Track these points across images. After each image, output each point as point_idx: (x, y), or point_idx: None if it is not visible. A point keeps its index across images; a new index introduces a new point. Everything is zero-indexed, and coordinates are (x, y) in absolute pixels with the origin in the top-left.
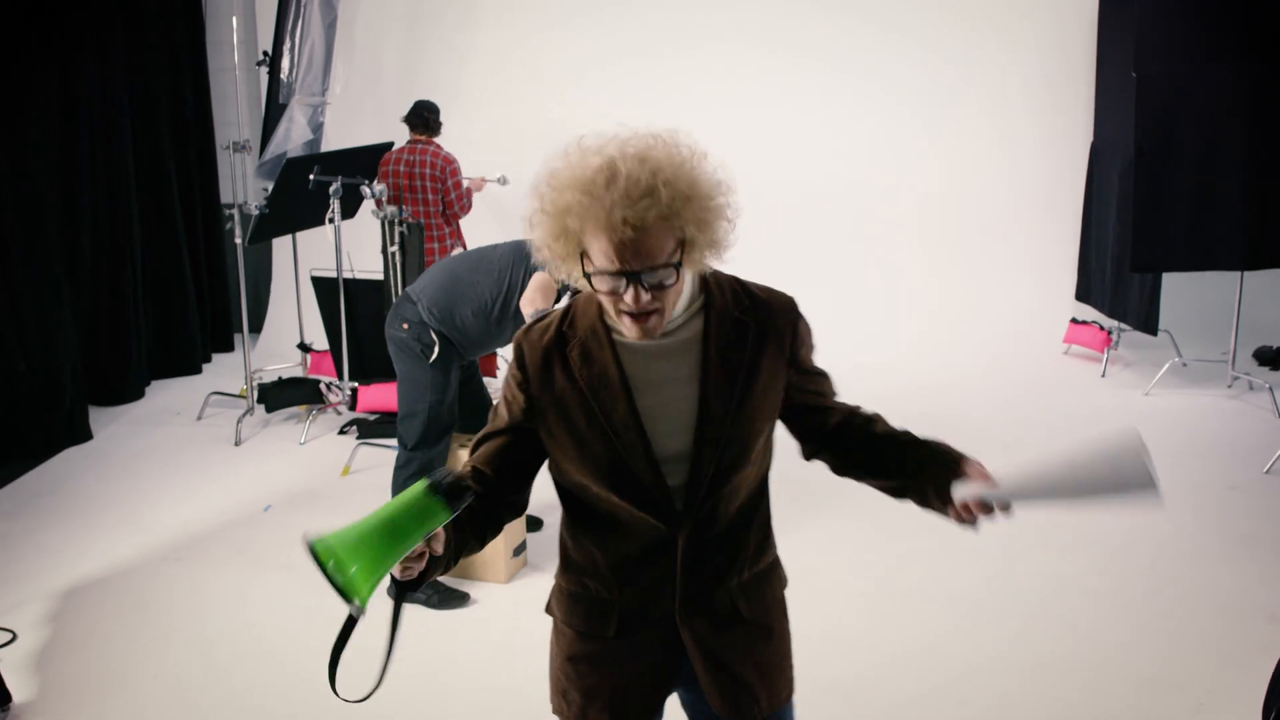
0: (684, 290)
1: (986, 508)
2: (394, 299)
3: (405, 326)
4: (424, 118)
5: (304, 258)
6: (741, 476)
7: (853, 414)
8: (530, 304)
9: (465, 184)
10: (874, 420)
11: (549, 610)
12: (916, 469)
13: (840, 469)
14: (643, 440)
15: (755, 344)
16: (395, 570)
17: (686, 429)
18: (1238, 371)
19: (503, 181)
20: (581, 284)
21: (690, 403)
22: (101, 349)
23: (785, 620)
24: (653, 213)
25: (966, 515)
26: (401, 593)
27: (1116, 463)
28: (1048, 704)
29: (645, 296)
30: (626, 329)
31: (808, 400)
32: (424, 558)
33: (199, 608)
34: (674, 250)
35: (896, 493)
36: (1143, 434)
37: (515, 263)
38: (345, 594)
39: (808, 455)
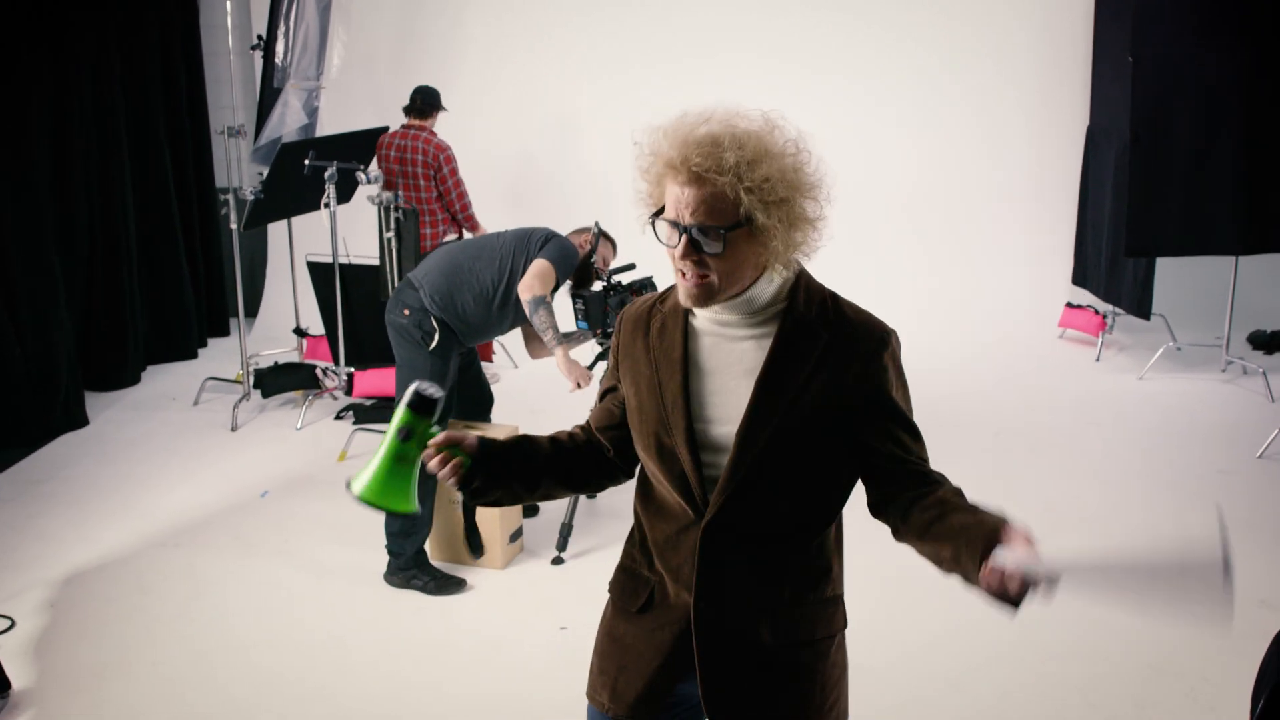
0: (769, 284)
1: (1022, 581)
2: (390, 285)
3: (406, 313)
4: (414, 102)
5: (299, 243)
6: (785, 488)
7: (932, 487)
8: (529, 290)
9: (470, 205)
10: (942, 485)
11: (610, 587)
12: (956, 533)
13: (896, 534)
14: (686, 418)
15: (823, 355)
16: (446, 482)
17: (733, 420)
18: (1231, 356)
19: None
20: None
21: (743, 396)
22: (97, 334)
23: (828, 664)
24: (711, 163)
25: (993, 583)
26: (471, 499)
27: (1187, 551)
28: (1045, 692)
29: (694, 255)
30: (679, 288)
31: (882, 446)
32: (459, 466)
33: (197, 593)
34: (730, 219)
35: (940, 562)
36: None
37: (517, 251)
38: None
39: (873, 508)
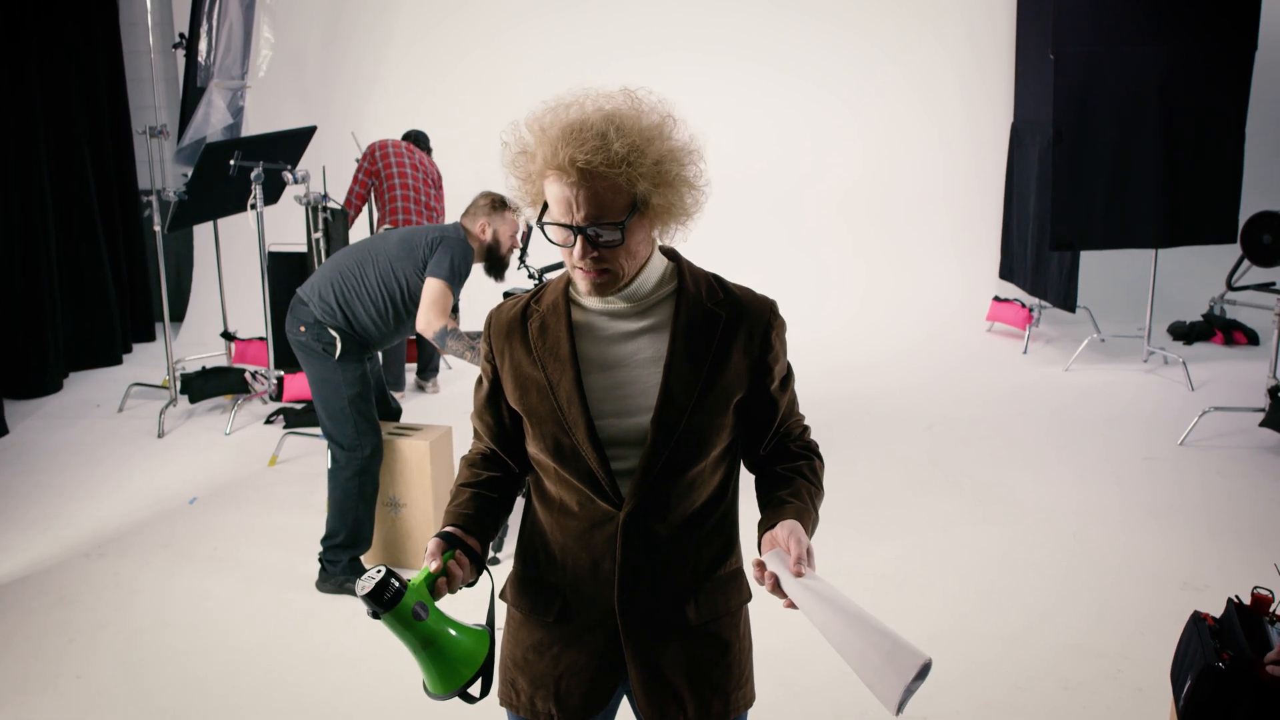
0: (654, 269)
1: (777, 587)
2: None
3: (303, 329)
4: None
5: (225, 245)
6: (697, 472)
7: (785, 450)
8: (429, 327)
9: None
10: (785, 457)
11: (503, 596)
12: (763, 507)
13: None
14: (585, 417)
15: (724, 336)
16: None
17: (643, 411)
18: (1153, 346)
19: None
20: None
21: (650, 386)
22: (16, 340)
23: (740, 635)
24: (599, 158)
25: (759, 575)
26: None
27: (889, 658)
28: (971, 671)
29: (593, 253)
30: (580, 282)
31: (760, 415)
32: (451, 582)
33: (124, 603)
34: (624, 209)
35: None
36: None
37: (403, 257)
38: (480, 677)
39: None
